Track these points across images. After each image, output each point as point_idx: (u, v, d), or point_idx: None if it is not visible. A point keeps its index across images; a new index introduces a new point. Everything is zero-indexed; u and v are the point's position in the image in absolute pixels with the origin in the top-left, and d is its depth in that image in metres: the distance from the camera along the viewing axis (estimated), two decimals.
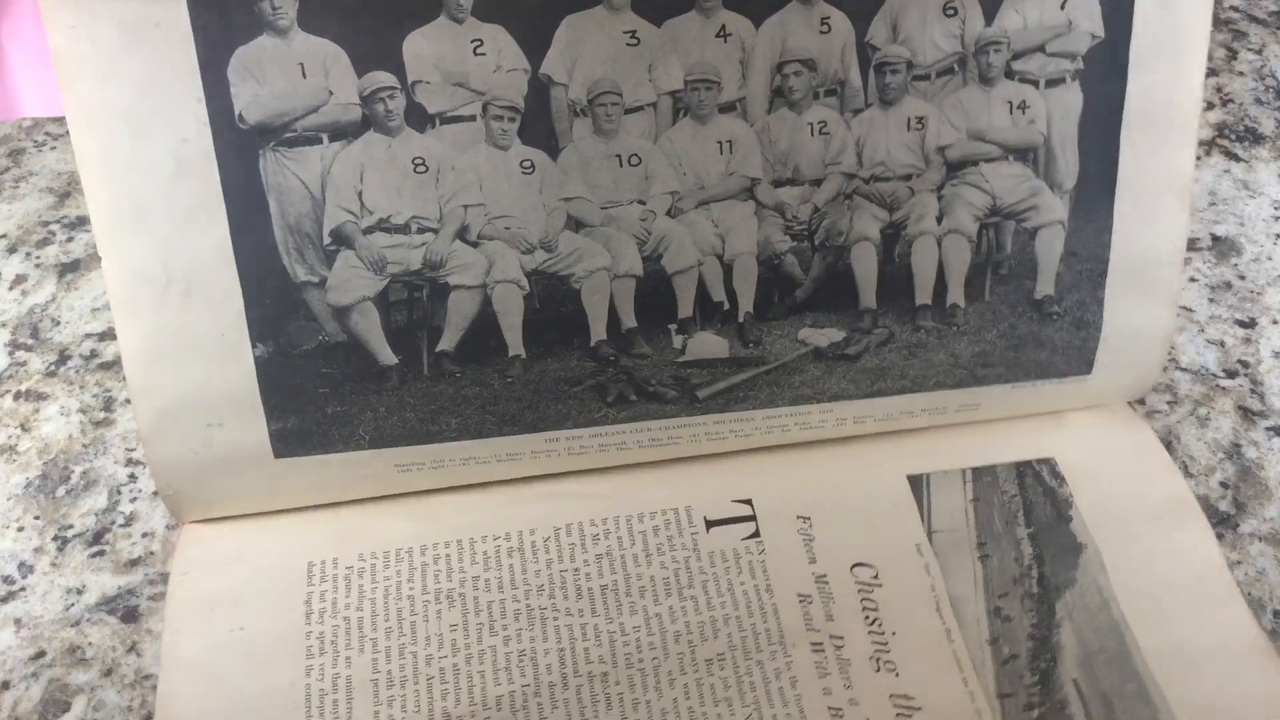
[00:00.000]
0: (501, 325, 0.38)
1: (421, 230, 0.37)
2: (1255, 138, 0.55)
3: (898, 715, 0.36)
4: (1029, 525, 0.41)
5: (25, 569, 0.41)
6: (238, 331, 0.37)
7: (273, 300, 0.37)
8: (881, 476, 0.42)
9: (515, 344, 0.38)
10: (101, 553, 0.41)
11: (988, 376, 0.41)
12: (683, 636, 0.38)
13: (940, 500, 0.42)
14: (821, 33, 0.36)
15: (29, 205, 0.53)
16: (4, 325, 0.48)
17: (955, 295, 0.40)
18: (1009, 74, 0.38)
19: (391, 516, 0.41)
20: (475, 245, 0.37)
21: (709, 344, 0.39)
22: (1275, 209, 0.53)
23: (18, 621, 0.39)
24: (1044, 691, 0.37)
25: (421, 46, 0.35)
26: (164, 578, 0.40)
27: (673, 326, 0.39)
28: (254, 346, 0.37)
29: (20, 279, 0.49)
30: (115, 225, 0.35)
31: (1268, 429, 0.44)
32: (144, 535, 0.41)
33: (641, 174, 0.37)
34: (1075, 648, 0.38)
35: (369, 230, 0.36)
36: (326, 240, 0.36)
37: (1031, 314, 0.40)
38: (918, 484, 0.42)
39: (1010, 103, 0.39)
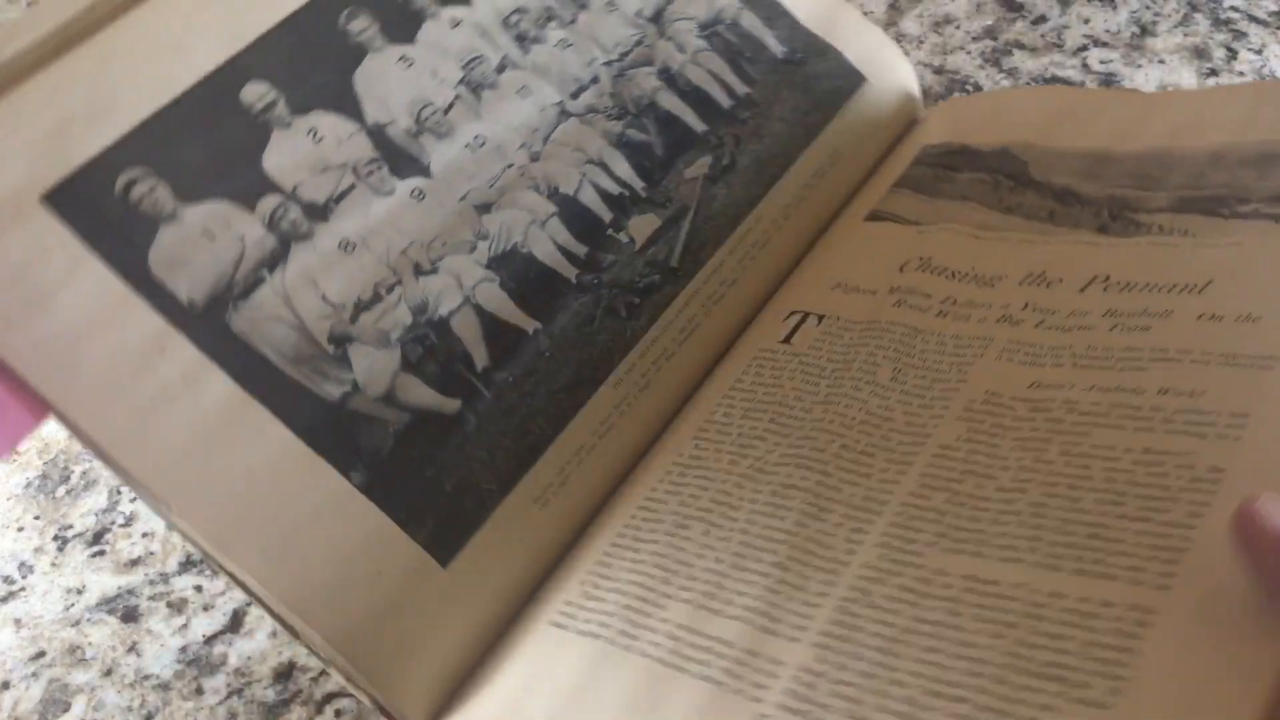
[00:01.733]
0: (503, 317, 0.40)
1: (390, 290, 0.39)
2: None
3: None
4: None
5: (25, 569, 0.40)
6: (328, 480, 0.36)
7: (332, 430, 0.36)
8: (852, 228, 0.48)
9: (525, 321, 0.40)
10: (102, 553, 0.40)
11: (815, 121, 0.49)
12: (862, 380, 0.41)
13: (898, 205, 0.49)
14: None
15: None
16: None
17: (740, 88, 0.48)
18: None
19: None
20: (435, 272, 0.40)
21: (644, 222, 0.44)
22: None
23: (18, 621, 0.38)
24: None
25: (277, 160, 0.39)
26: (164, 578, 0.40)
27: (610, 231, 0.43)
28: (350, 479, 0.36)
29: None
30: (173, 486, 0.34)
31: None
32: (144, 535, 0.41)
33: (493, 147, 0.42)
34: None
35: (353, 318, 0.38)
36: (331, 349, 0.37)
37: (790, 68, 0.50)
38: (878, 215, 0.49)
39: None
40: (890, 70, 0.52)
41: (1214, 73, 0.59)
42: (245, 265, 0.37)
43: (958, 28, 0.58)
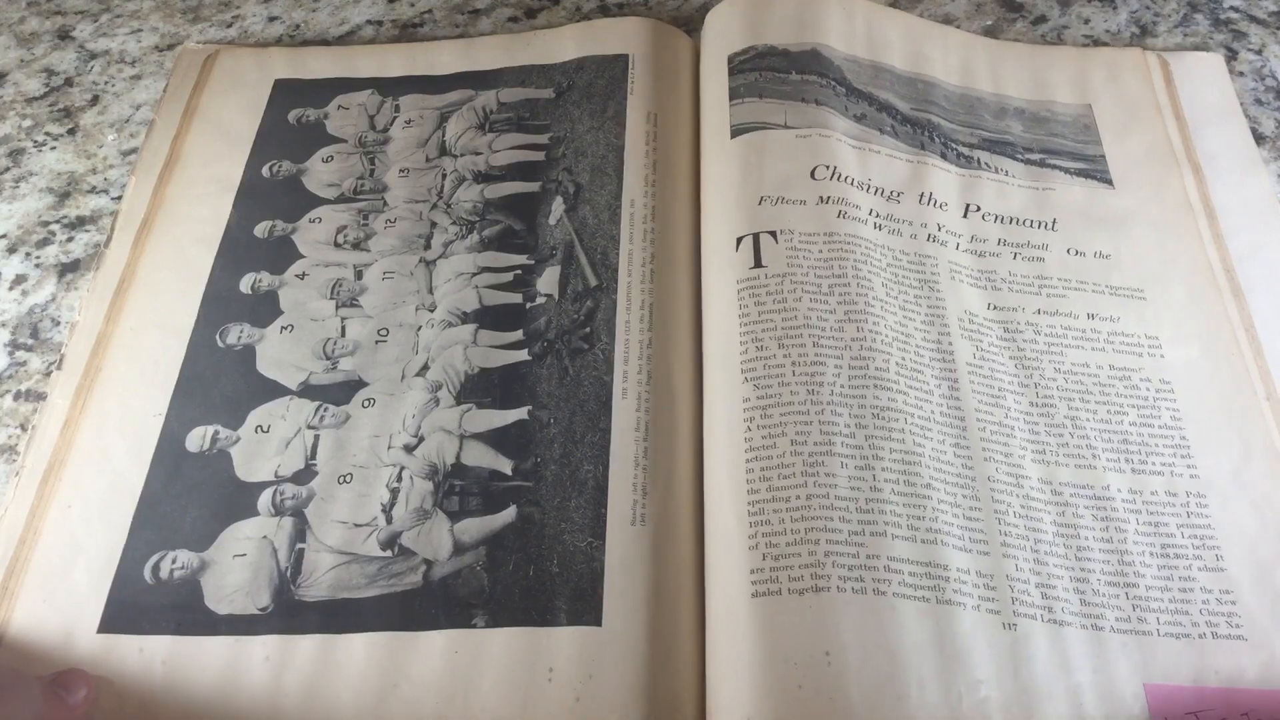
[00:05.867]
0: (497, 425, 0.42)
1: (399, 478, 0.41)
2: (1255, 138, 0.52)
3: None
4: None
5: None
6: (462, 638, 0.37)
7: (436, 606, 0.38)
8: (722, 147, 0.50)
9: (515, 414, 0.42)
10: None
11: (615, 108, 0.52)
12: (870, 295, 0.44)
13: (753, 114, 0.50)
14: None
15: (29, 205, 0.52)
16: (4, 325, 0.47)
17: (540, 140, 0.52)
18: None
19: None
20: (423, 439, 0.42)
21: (549, 276, 0.46)
22: None
23: None
24: None
25: (248, 467, 0.42)
26: None
27: (527, 304, 0.46)
28: (476, 626, 0.37)
29: (20, 279, 0.49)
30: None
31: None
32: None
33: (395, 326, 0.46)
34: None
35: (389, 519, 0.40)
36: (390, 554, 0.39)
37: (565, 94, 0.53)
38: (743, 129, 0.50)
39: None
40: (640, 30, 0.55)
41: None
42: (281, 552, 0.40)
43: (958, 27, 0.56)
